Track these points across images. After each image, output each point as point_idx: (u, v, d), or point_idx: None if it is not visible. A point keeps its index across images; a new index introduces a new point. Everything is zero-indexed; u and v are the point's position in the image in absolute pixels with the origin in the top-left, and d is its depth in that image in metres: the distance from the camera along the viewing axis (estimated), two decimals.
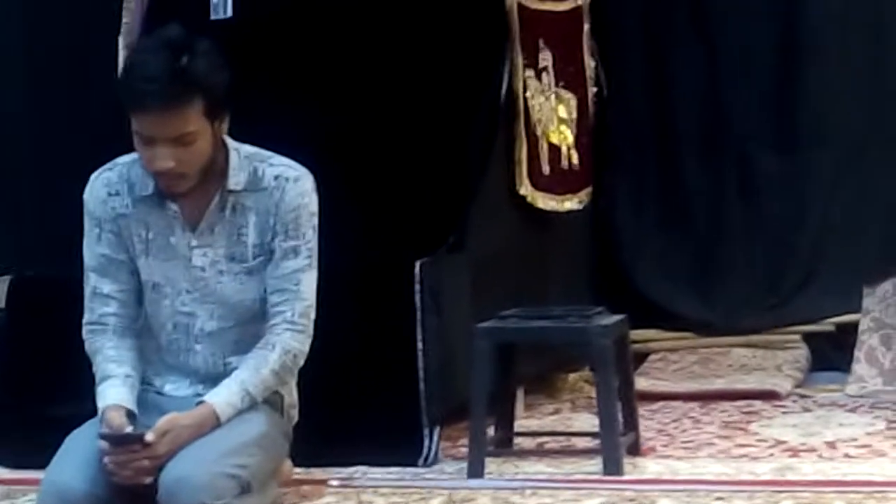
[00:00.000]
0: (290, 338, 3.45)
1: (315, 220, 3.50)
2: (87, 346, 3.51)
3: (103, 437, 3.27)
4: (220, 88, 3.34)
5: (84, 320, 3.53)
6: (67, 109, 6.20)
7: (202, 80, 3.29)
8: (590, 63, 5.64)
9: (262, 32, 4.97)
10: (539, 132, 5.15)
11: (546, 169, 5.18)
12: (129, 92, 3.29)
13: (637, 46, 6.22)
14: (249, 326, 3.48)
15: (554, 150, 5.25)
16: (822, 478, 4.01)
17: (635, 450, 4.35)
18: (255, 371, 3.41)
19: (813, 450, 4.40)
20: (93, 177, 3.54)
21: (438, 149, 4.78)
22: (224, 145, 3.46)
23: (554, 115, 5.30)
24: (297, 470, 3.89)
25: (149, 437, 3.24)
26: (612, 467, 4.08)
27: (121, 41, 5.35)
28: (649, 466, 4.23)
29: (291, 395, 3.62)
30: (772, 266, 6.06)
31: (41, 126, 6.43)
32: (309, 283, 3.48)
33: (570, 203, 5.36)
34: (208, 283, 3.47)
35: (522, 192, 5.06)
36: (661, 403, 5.17)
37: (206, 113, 3.32)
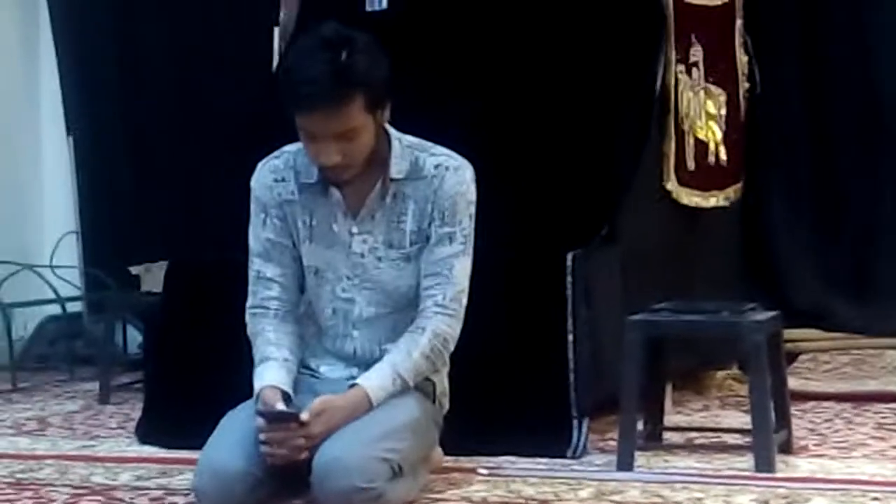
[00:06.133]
0: (440, 321, 3.46)
1: (472, 209, 3.52)
2: (248, 328, 3.56)
3: (260, 413, 3.31)
4: (380, 82, 3.35)
5: (247, 304, 3.58)
6: (221, 98, 6.28)
7: (363, 77, 3.30)
8: (742, 59, 5.57)
9: (417, 23, 4.97)
10: (686, 127, 5.10)
11: (691, 165, 5.13)
12: (291, 94, 3.31)
13: (792, 43, 6.15)
14: (406, 313, 3.50)
15: (700, 145, 5.19)
16: None
17: (787, 448, 4.28)
18: (406, 355, 3.43)
19: None
20: (260, 164, 3.59)
21: (591, 141, 4.75)
22: (386, 134, 3.48)
23: (702, 111, 5.24)
24: (447, 458, 3.90)
25: (304, 416, 3.29)
26: (765, 464, 4.02)
27: (276, 32, 5.40)
28: (802, 465, 4.16)
29: (443, 383, 3.64)
30: None
31: (197, 114, 6.53)
32: (462, 269, 3.49)
33: (716, 199, 5.29)
34: (367, 269, 3.50)
35: (669, 186, 5.02)
36: (812, 403, 5.08)
37: (368, 107, 3.33)
